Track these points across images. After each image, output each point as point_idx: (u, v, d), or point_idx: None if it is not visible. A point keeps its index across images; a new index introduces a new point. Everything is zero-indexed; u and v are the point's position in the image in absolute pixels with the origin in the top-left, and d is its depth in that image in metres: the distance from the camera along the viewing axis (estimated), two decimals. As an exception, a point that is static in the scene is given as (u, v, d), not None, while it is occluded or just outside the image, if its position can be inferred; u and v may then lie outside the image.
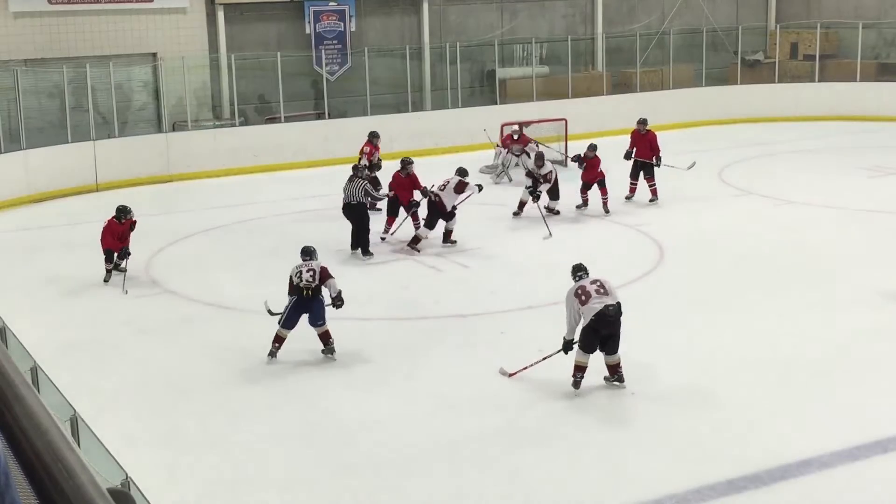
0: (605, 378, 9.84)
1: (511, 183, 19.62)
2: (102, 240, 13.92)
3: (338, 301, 10.91)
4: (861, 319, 11.72)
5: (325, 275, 10.87)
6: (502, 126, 21.07)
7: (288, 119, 23.23)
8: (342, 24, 24.47)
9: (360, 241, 14.94)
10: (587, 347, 9.75)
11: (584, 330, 9.71)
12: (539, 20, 26.93)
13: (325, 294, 10.93)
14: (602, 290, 9.64)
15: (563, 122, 21.82)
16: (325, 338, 10.83)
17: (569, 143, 21.67)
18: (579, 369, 9.78)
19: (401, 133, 23.11)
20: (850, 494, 7.93)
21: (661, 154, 17.72)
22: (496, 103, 24.82)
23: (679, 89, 26.54)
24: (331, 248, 15.32)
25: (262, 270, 14.42)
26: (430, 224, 15.30)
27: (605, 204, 16.90)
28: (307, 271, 10.79)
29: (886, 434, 8.75)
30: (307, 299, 10.72)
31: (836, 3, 28.64)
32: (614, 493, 8.06)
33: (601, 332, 9.63)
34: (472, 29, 25.99)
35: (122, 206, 14.16)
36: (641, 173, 17.75)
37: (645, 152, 17.72)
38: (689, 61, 27.46)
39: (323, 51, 24.15)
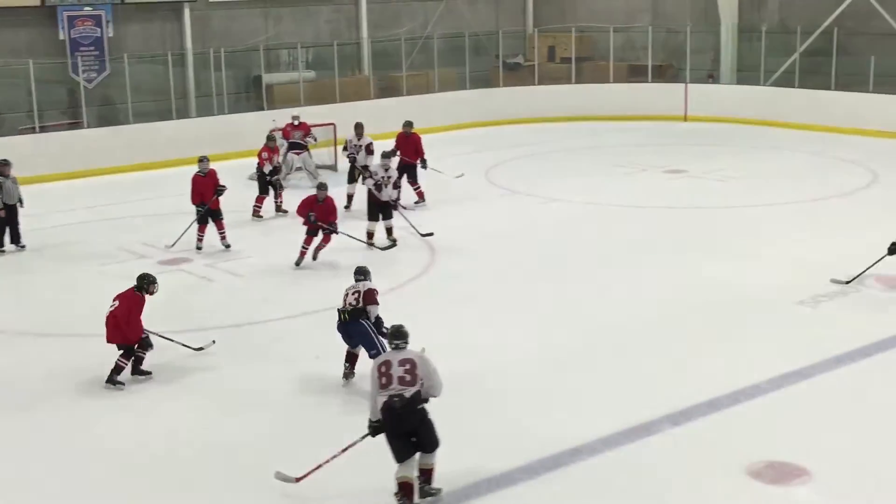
0: (417, 477, 7.88)
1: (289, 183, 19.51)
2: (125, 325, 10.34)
3: (381, 328, 9.97)
4: (623, 311, 12.31)
5: (368, 298, 10.08)
6: (271, 132, 20.81)
7: (44, 129, 22.17)
8: (99, 29, 23.55)
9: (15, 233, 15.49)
10: (397, 454, 7.77)
11: (385, 433, 7.87)
12: (304, 25, 26.82)
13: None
14: (407, 379, 7.76)
15: (332, 126, 21.80)
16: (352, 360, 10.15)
17: (338, 147, 21.66)
18: (404, 488, 7.73)
19: (166, 140, 22.51)
20: (617, 479, 8.28)
21: (425, 156, 18.01)
22: (263, 109, 24.51)
23: (445, 92, 27.05)
24: (95, 258, 14.82)
25: (19, 288, 13.76)
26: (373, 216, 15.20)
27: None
28: (353, 293, 10.16)
29: (649, 418, 9.20)
30: (345, 323, 10.07)
31: (589, 8, 29.95)
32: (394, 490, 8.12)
33: (396, 430, 7.77)
34: (236, 34, 25.57)
35: (145, 273, 10.70)
36: (405, 176, 17.85)
37: (409, 155, 17.96)
38: (453, 65, 28.03)
39: (79, 57, 23.18)
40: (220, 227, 15.40)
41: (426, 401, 7.84)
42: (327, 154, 21.62)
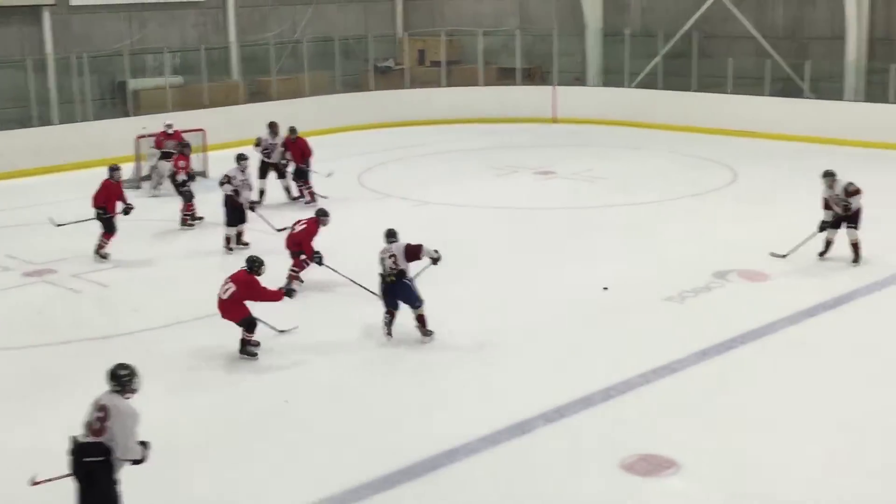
0: None
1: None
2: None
3: (436, 255, 11.28)
4: (496, 312, 12.45)
5: (411, 253, 11.07)
6: (137, 138, 20.38)
7: None
8: (-48, 34, 22.70)
9: None
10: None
11: None
12: (170, 29, 26.32)
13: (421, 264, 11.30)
14: (95, 426, 6.88)
15: (202, 132, 21.46)
16: (422, 321, 11.13)
17: (209, 153, 21.34)
18: None
19: (26, 149, 21.82)
20: (494, 477, 8.39)
21: (311, 158, 18.34)
22: (129, 115, 23.97)
23: (316, 96, 26.88)
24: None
25: None
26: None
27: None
28: (388, 257, 11.08)
29: (524, 417, 9.33)
30: (391, 285, 11.04)
31: (457, 12, 30.22)
32: (272, 500, 8.05)
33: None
34: (99, 38, 24.94)
35: (254, 256, 11.13)
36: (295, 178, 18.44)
37: (297, 158, 18.28)
38: (324, 69, 27.90)
39: (-68, 63, 22.31)
40: (106, 237, 15.05)
41: (108, 459, 6.85)
42: (196, 160, 21.21)
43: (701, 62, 26.18)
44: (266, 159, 18.48)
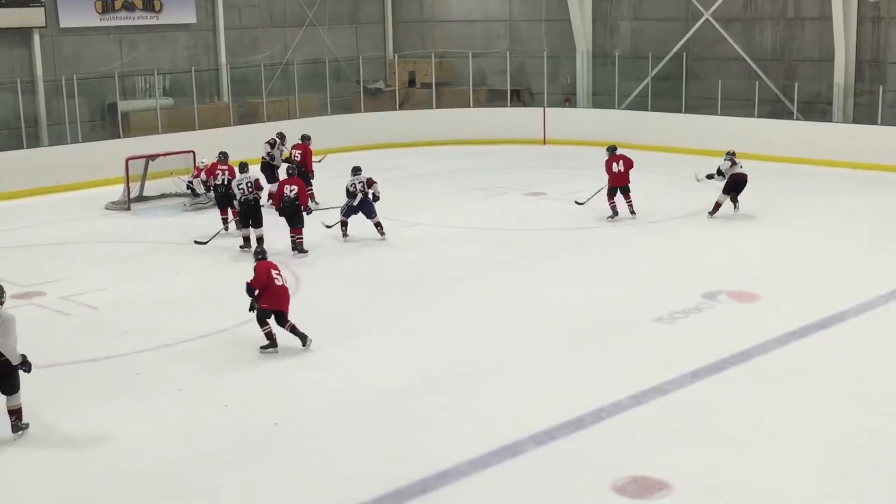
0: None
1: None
2: None
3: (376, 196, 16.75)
4: (486, 333, 12.41)
5: (370, 182, 16.64)
6: (127, 161, 20.33)
7: None
8: (-58, 56, 22.68)
9: None
10: None
11: None
12: (160, 51, 26.35)
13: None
14: None
15: (192, 153, 21.43)
16: (379, 227, 16.77)
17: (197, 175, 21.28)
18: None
19: (15, 170, 21.77)
20: (484, 500, 8.33)
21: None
22: (119, 137, 23.96)
23: (306, 118, 26.86)
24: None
25: None
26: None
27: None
28: (359, 183, 16.56)
29: (514, 439, 9.26)
30: (364, 201, 16.53)
31: (447, 34, 30.32)
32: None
33: None
34: (89, 61, 24.95)
35: None
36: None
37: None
38: (314, 90, 27.94)
39: (-78, 85, 22.27)
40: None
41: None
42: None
43: (690, 84, 26.29)
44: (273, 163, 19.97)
